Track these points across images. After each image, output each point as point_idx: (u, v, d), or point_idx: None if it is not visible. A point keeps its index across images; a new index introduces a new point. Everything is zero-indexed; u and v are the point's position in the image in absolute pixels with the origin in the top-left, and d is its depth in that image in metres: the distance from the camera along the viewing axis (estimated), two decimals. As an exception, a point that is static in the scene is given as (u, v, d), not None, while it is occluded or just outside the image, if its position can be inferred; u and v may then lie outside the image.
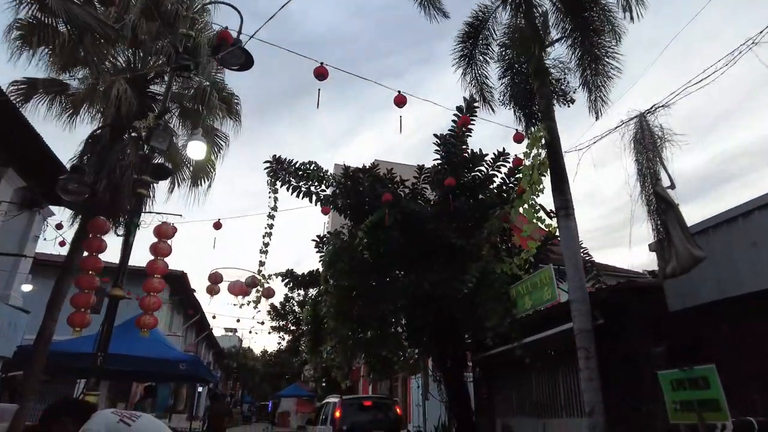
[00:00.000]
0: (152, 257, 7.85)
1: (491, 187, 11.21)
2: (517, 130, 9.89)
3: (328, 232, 11.61)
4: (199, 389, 36.66)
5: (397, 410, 9.23)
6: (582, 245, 8.54)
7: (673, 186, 5.50)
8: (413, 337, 10.27)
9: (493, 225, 9.00)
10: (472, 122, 10.91)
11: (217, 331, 44.21)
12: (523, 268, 9.27)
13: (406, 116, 11.36)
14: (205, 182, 9.79)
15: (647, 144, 5.74)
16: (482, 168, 11.25)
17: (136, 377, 15.51)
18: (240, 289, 14.56)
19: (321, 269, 11.12)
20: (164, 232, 8.02)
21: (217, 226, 11.04)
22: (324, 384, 27.88)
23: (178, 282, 19.89)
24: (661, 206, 5.44)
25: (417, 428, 10.86)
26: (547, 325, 8.11)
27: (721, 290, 5.21)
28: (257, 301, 13.81)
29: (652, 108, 6.02)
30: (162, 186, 9.39)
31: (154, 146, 5.44)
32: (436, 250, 10.67)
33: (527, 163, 8.77)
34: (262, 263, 11.20)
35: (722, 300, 5.15)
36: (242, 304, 14.37)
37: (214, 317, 25.49)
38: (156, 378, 15.61)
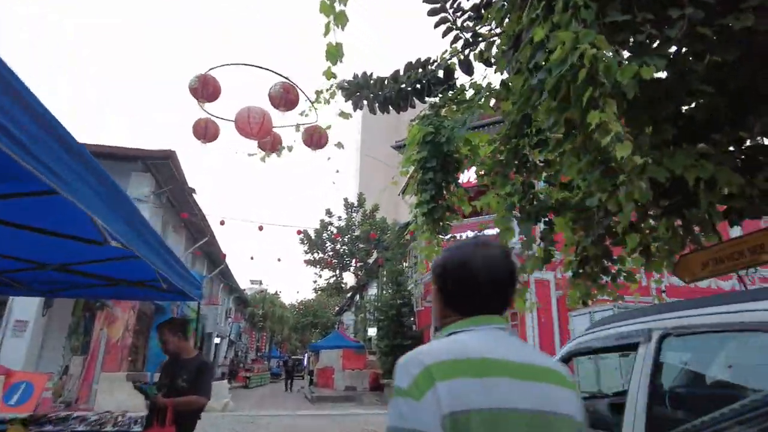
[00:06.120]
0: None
1: None
2: None
3: None
4: (216, 340, 28.35)
5: None
6: None
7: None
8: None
9: None
10: None
11: (241, 282, 36.59)
12: None
13: None
14: None
15: None
16: None
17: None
18: (253, 123, 6.95)
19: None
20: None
21: None
22: (381, 324, 20.11)
23: (164, 168, 12.29)
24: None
25: None
26: None
27: None
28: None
29: None
30: None
31: None
32: None
33: None
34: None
35: None
36: (264, 156, 6.83)
37: (221, 222, 17.71)
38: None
